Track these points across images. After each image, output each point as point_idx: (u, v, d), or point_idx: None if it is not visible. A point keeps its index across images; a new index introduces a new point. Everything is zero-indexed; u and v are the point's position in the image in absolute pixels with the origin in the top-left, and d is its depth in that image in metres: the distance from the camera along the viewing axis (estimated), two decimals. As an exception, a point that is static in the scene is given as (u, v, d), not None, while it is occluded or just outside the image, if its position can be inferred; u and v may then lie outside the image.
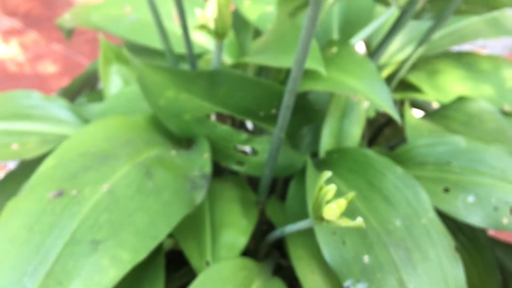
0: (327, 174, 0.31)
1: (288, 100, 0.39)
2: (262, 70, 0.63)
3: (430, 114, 0.61)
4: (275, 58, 0.51)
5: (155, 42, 0.66)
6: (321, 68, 0.48)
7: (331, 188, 0.30)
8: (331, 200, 0.31)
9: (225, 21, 0.41)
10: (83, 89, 0.85)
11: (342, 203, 0.30)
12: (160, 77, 0.48)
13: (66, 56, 2.05)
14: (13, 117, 0.57)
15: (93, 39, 2.06)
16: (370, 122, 0.72)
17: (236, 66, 0.61)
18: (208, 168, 0.45)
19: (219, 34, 0.42)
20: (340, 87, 0.48)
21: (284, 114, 0.41)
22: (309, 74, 0.50)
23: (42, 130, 0.56)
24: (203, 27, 0.41)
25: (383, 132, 0.75)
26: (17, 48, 2.11)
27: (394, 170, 0.46)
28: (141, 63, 0.47)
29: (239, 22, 0.75)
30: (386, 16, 0.52)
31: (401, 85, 0.65)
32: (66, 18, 0.85)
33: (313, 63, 0.48)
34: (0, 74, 1.90)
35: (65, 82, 1.83)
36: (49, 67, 1.99)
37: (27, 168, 0.61)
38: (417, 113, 0.73)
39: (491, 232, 0.93)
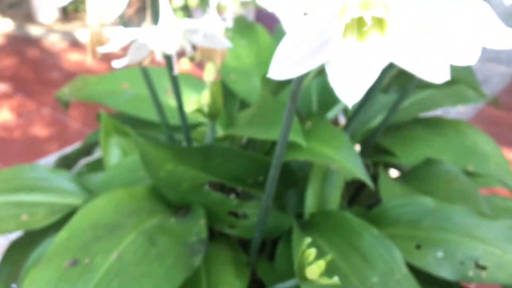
0: (308, 240, 0.36)
1: (274, 173, 0.45)
2: (249, 140, 0.69)
3: (403, 176, 0.68)
4: (260, 132, 0.58)
5: (151, 115, 0.73)
6: (302, 141, 0.54)
7: (312, 252, 0.35)
8: (313, 262, 0.36)
9: (218, 105, 0.47)
10: (80, 156, 0.90)
11: (321, 264, 0.35)
12: (160, 152, 0.54)
13: (56, 120, 2.10)
14: (22, 190, 0.62)
15: (82, 102, 2.12)
16: (352, 181, 0.78)
17: (227, 137, 0.67)
18: (204, 234, 0.50)
19: (212, 116, 0.48)
20: (319, 157, 0.54)
21: (271, 184, 0.47)
22: (291, 146, 0.56)
23: (49, 201, 0.61)
24: (198, 110, 0.48)
25: (364, 190, 0.81)
26: (7, 112, 2.15)
27: (370, 231, 0.52)
28: (143, 140, 0.53)
29: (227, 93, 0.82)
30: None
31: (376, 149, 0.72)
32: (65, 91, 0.91)
33: (295, 136, 0.55)
34: (-10, 139, 1.94)
35: (55, 145, 1.87)
36: (39, 131, 2.03)
37: (31, 237, 0.65)
38: (394, 173, 0.80)
39: (472, 286, 0.98)
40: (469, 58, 0.24)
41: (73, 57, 2.85)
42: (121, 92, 0.78)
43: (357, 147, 0.75)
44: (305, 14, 0.24)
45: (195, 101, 0.47)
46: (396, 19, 0.23)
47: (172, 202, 0.56)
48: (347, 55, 0.25)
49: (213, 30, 0.37)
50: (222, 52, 0.43)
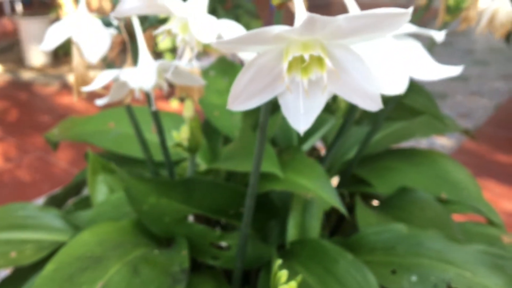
0: (279, 261, 0.39)
1: (249, 203, 0.48)
2: (231, 173, 0.72)
3: (379, 204, 0.71)
4: (240, 164, 0.61)
5: (137, 152, 0.75)
6: (278, 172, 0.57)
7: (284, 273, 0.38)
8: (285, 283, 0.38)
9: (197, 140, 0.50)
10: (69, 195, 0.92)
11: (292, 285, 0.38)
12: (143, 186, 0.56)
13: (46, 162, 2.11)
14: (11, 227, 0.64)
15: (71, 144, 2.13)
16: (333, 212, 0.80)
17: (209, 171, 0.70)
18: (186, 264, 0.52)
19: (191, 150, 0.51)
20: (295, 187, 0.57)
21: (248, 213, 0.49)
22: (269, 177, 0.59)
23: (37, 238, 0.63)
24: (178, 145, 0.51)
25: (345, 220, 0.84)
26: (-3, 156, 2.16)
27: (345, 257, 0.54)
28: (128, 175, 0.55)
29: (211, 130, 0.85)
30: (328, 125, 0.63)
31: (353, 180, 0.75)
32: (54, 133, 0.94)
33: (272, 167, 0.58)
34: (-21, 183, 1.94)
35: (45, 188, 1.88)
36: (28, 174, 2.04)
37: (20, 273, 0.67)
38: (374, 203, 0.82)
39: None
40: (397, 88, 0.28)
41: (64, 100, 2.88)
42: (107, 131, 0.81)
43: (336, 179, 0.78)
44: (258, 53, 0.27)
45: (175, 136, 0.50)
46: (333, 58, 0.27)
47: (156, 235, 0.59)
48: (294, 88, 0.28)
49: (186, 69, 0.41)
50: (199, 89, 0.47)
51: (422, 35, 0.43)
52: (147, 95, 0.56)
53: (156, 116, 0.56)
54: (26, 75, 3.23)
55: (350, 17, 0.25)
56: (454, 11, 0.50)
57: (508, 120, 2.40)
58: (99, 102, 0.42)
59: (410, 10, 0.24)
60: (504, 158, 1.95)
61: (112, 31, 0.44)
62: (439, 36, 0.35)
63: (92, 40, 0.42)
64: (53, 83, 3.10)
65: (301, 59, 0.27)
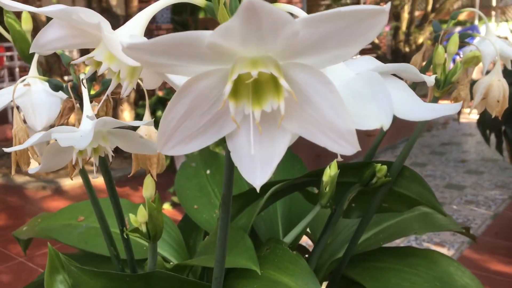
0: None
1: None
2: (207, 270, 0.64)
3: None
4: (213, 259, 0.53)
5: (104, 250, 0.68)
6: (255, 267, 0.49)
7: None
8: None
9: (157, 225, 0.43)
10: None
11: None
12: (96, 283, 0.48)
13: (27, 268, 2.02)
14: None
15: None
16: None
17: (182, 267, 0.62)
18: None
19: (151, 236, 0.44)
20: (275, 286, 0.49)
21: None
22: (245, 273, 0.51)
23: None
24: (136, 230, 0.44)
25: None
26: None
27: None
28: (77, 269, 0.48)
29: (190, 225, 0.78)
30: (313, 213, 0.57)
31: (344, 281, 0.66)
32: (23, 229, 0.87)
33: (248, 261, 0.50)
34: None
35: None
36: (8, 281, 1.94)
37: None
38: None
39: None
40: (379, 122, 0.22)
41: (55, 204, 2.84)
42: (75, 226, 0.74)
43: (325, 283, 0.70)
44: (195, 76, 0.21)
45: (132, 220, 0.43)
46: (292, 82, 0.21)
47: None
48: (246, 125, 0.22)
49: (136, 133, 0.35)
50: (159, 161, 0.41)
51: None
52: (107, 178, 0.50)
53: (116, 201, 0.50)
54: (20, 179, 3.20)
55: (311, 19, 0.18)
56: (443, 85, 0.46)
57: (507, 229, 2.35)
58: (31, 170, 0.36)
59: (388, 6, 0.19)
60: (506, 269, 1.90)
61: (62, 95, 0.40)
62: (430, 80, 0.30)
63: (38, 106, 0.38)
64: (46, 188, 3.06)
65: (252, 84, 0.21)
